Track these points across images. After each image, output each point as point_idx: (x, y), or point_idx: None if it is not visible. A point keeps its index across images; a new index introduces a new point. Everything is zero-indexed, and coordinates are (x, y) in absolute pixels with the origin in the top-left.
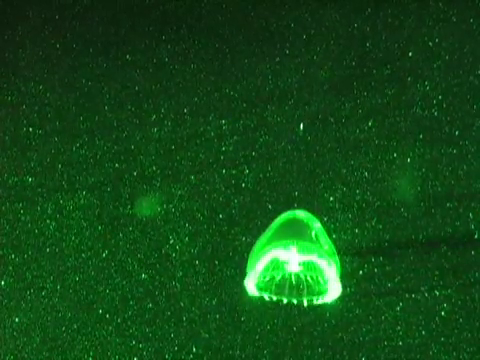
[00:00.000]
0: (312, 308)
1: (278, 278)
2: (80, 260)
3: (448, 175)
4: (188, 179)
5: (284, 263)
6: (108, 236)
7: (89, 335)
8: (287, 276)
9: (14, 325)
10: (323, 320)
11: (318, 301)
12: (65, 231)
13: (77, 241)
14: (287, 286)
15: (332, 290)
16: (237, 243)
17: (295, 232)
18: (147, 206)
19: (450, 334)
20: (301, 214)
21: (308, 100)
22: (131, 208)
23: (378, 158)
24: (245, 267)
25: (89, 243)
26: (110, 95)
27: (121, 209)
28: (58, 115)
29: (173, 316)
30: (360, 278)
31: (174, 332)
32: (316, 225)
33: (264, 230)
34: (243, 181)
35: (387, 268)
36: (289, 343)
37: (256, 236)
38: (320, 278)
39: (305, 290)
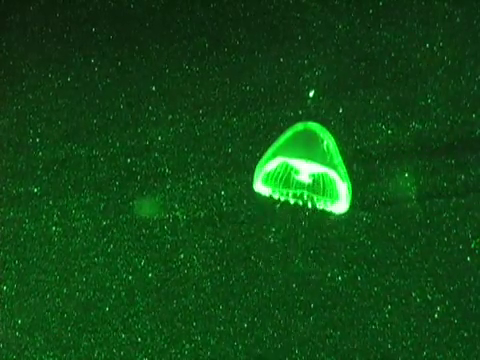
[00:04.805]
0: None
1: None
2: (86, 260)
3: (446, 185)
4: (197, 180)
5: (295, 172)
6: (113, 230)
7: (94, 333)
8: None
9: (16, 326)
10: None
11: (325, 207)
12: (70, 234)
13: (83, 241)
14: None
15: (340, 201)
16: (248, 243)
17: (308, 142)
18: (153, 205)
19: (445, 334)
20: (313, 125)
21: (306, 102)
22: (138, 205)
23: (378, 166)
24: (255, 268)
25: (94, 239)
26: (126, 94)
27: (128, 204)
28: (68, 118)
29: (180, 312)
30: (344, 283)
31: (180, 329)
32: (327, 137)
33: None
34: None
35: (373, 275)
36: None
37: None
38: (327, 191)
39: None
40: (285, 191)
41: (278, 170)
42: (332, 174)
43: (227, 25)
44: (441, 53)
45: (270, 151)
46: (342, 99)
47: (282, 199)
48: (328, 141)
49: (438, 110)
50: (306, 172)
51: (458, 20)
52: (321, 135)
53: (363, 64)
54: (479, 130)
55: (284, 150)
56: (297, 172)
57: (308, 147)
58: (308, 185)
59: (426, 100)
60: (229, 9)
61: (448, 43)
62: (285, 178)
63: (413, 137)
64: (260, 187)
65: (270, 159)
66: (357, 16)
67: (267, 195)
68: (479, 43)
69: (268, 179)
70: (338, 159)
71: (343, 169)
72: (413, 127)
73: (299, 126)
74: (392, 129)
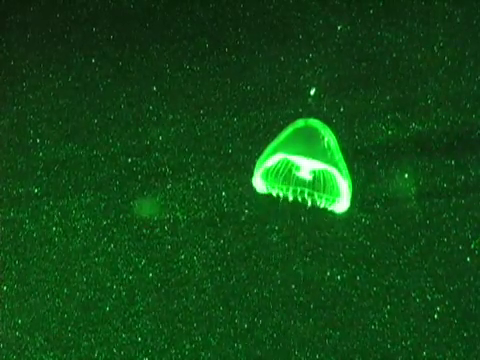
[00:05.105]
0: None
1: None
2: (87, 260)
3: (446, 186)
4: (198, 180)
5: (296, 168)
6: (114, 230)
7: (95, 333)
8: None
9: (16, 326)
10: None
11: (326, 205)
12: (71, 234)
13: (83, 241)
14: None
15: (341, 199)
16: (249, 244)
17: (308, 139)
18: (154, 205)
19: (444, 334)
20: (314, 122)
21: (307, 102)
22: (138, 205)
23: (376, 166)
24: (256, 268)
25: (94, 239)
26: (126, 94)
27: (128, 204)
28: (68, 118)
29: (180, 313)
30: (344, 284)
31: (180, 329)
32: (328, 134)
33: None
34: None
35: (373, 276)
36: (280, 349)
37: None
38: (327, 189)
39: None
40: (285, 188)
41: (278, 166)
42: (333, 171)
43: (227, 25)
44: (441, 53)
45: (271, 147)
46: (342, 99)
47: (282, 196)
48: (329, 138)
49: (438, 110)
50: (307, 169)
51: (458, 20)
52: (322, 132)
53: (363, 64)
54: (479, 131)
55: (285, 146)
56: (298, 169)
57: (309, 144)
58: (308, 182)
59: (426, 100)
60: (229, 9)
61: (448, 43)
62: (285, 175)
63: (413, 137)
64: (259, 183)
65: (270, 155)
66: (357, 16)
67: (266, 192)
68: (479, 43)
69: (268, 175)
70: (339, 156)
71: (344, 166)
72: (413, 128)
73: (300, 122)
74: (392, 129)
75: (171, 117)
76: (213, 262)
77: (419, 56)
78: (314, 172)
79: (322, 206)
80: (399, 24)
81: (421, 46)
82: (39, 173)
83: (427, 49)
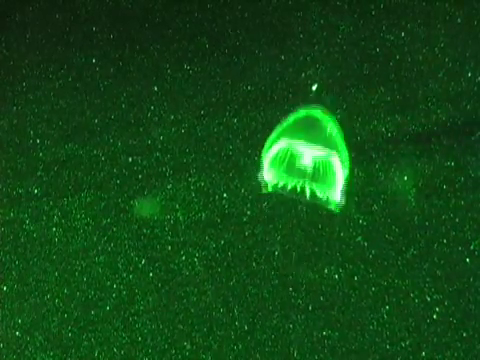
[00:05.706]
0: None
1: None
2: (87, 260)
3: (446, 187)
4: (199, 180)
5: (298, 156)
6: (114, 229)
7: (95, 332)
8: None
9: (16, 326)
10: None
11: (326, 195)
12: (71, 234)
13: (83, 241)
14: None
15: (338, 190)
16: (249, 244)
17: (311, 127)
18: (154, 204)
19: (443, 335)
20: (318, 111)
21: (308, 102)
22: (139, 205)
23: (375, 168)
24: (256, 269)
25: (94, 239)
26: (127, 94)
27: (128, 204)
28: (68, 118)
29: (180, 313)
30: (344, 285)
31: (181, 330)
32: (331, 124)
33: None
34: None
35: (372, 276)
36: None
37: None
38: (327, 179)
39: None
40: (287, 179)
41: (281, 155)
42: (334, 159)
43: (227, 25)
44: (442, 54)
45: (274, 134)
46: (342, 100)
47: (283, 189)
48: (331, 126)
49: (438, 112)
50: (309, 157)
51: (459, 21)
52: (324, 120)
53: (363, 65)
54: (479, 132)
55: (288, 133)
56: (300, 157)
57: (312, 131)
58: (309, 174)
59: (426, 102)
60: (229, 9)
61: (449, 44)
62: (288, 166)
63: (413, 138)
64: (266, 172)
65: (274, 142)
66: (359, 17)
67: (270, 182)
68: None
69: (272, 165)
70: (341, 144)
71: (346, 156)
72: (413, 129)
73: (302, 112)
74: (392, 131)
75: (172, 117)
76: (213, 263)
77: (420, 57)
78: (315, 162)
79: (323, 197)
80: (400, 25)
81: (422, 47)
82: (39, 173)
83: (428, 50)
